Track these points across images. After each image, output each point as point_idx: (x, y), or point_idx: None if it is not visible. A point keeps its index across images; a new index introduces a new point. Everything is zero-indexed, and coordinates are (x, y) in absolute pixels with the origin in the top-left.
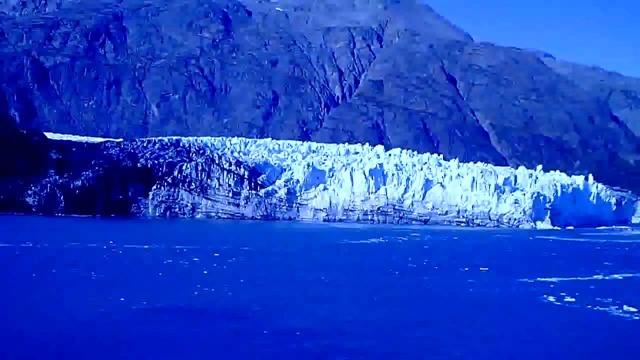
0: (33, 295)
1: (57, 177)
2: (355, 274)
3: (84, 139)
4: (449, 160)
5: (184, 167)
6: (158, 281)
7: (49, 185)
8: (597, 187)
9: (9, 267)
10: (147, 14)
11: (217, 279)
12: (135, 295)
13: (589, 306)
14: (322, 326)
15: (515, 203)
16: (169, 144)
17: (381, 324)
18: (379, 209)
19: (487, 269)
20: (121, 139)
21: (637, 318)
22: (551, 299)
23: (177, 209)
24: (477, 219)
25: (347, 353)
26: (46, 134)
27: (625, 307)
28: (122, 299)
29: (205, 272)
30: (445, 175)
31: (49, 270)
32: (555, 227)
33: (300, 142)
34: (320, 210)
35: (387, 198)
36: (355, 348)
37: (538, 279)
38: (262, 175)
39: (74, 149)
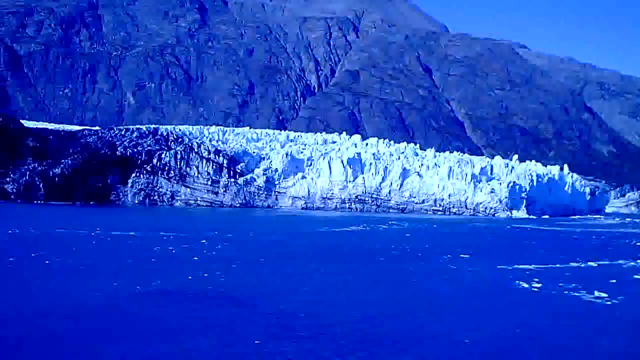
0: (26, 281)
1: (36, 164)
2: (341, 261)
3: (60, 126)
4: (425, 150)
5: (162, 155)
6: (150, 267)
7: (27, 172)
8: (572, 177)
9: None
10: (122, 2)
11: (208, 264)
12: (129, 279)
13: (566, 292)
14: (318, 309)
15: (492, 192)
16: (147, 133)
17: (376, 307)
18: (356, 197)
19: (467, 256)
20: (98, 127)
21: (608, 303)
22: (525, 284)
23: (156, 197)
24: (453, 207)
25: (344, 335)
26: (21, 121)
27: (596, 293)
28: (115, 284)
29: (195, 258)
30: (422, 164)
31: (39, 257)
32: (531, 216)
33: (279, 131)
34: (299, 198)
35: (365, 187)
36: (347, 331)
37: (516, 265)
38: (241, 164)
39: (51, 137)
